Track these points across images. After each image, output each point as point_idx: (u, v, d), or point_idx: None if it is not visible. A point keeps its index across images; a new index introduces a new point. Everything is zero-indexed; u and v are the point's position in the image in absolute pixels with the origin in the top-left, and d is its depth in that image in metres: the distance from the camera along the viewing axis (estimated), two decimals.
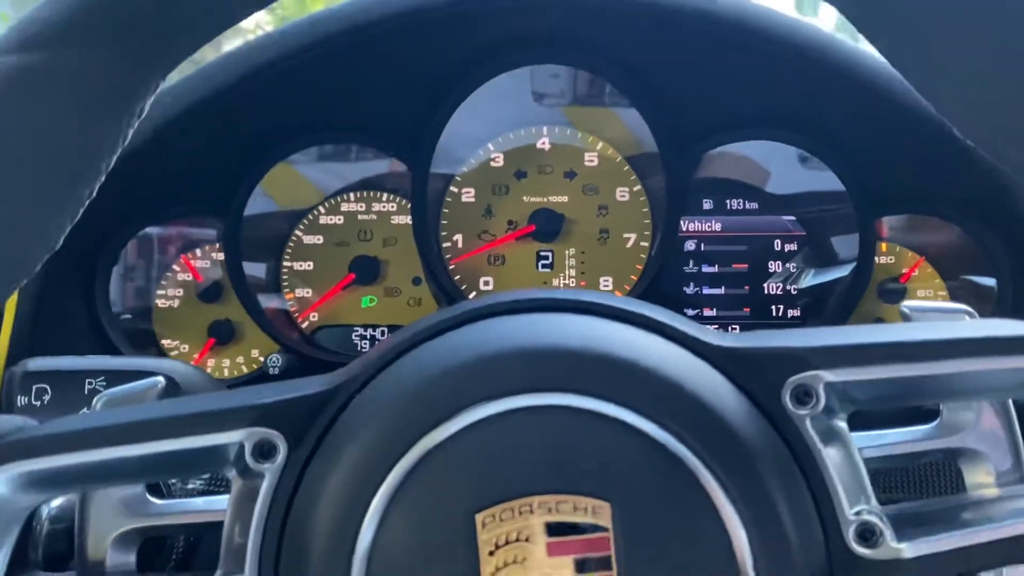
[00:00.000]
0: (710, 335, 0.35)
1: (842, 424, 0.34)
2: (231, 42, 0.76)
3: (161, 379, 0.40)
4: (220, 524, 0.35)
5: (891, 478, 0.52)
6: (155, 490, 0.40)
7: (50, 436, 0.34)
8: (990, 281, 0.75)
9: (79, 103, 0.31)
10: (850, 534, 0.33)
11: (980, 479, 0.39)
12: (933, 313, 0.40)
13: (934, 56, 0.30)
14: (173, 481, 0.45)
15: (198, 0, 0.32)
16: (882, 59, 0.31)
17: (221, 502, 0.36)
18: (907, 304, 0.41)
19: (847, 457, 0.34)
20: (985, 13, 0.29)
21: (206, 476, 0.46)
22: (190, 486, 0.47)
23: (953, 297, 0.76)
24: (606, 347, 0.34)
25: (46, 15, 0.31)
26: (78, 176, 0.32)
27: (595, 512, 0.31)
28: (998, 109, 0.29)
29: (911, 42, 0.30)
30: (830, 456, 0.33)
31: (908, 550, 0.32)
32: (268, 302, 0.79)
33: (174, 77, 0.73)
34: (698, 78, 0.75)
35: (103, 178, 0.33)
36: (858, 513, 0.33)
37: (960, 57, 0.29)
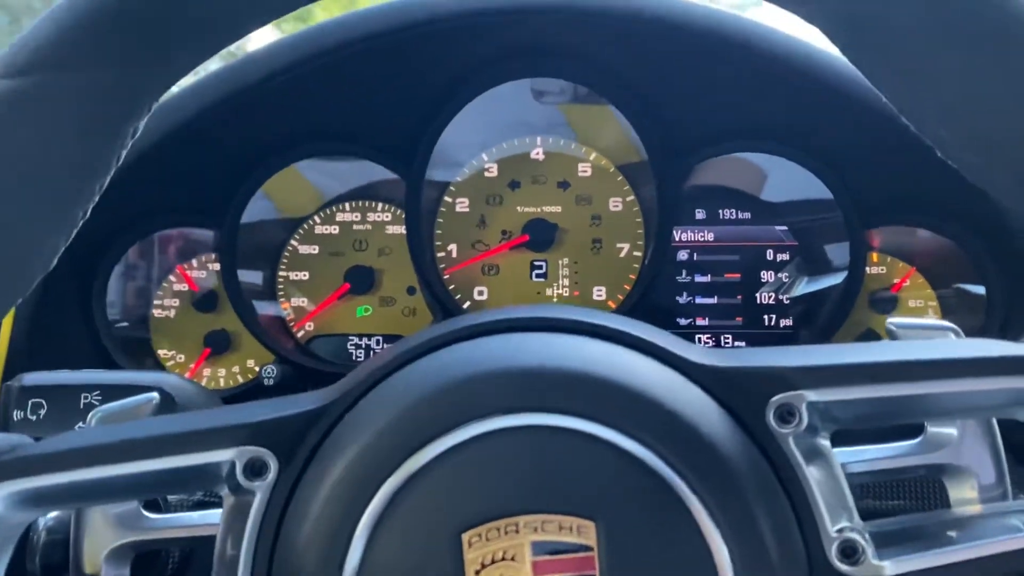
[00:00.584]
0: (694, 353, 0.36)
1: (825, 442, 0.35)
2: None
3: (155, 395, 0.40)
4: (213, 538, 0.35)
5: (876, 486, 0.52)
6: (150, 503, 0.40)
7: (45, 454, 0.34)
8: (980, 291, 0.75)
9: (72, 126, 0.31)
10: (832, 551, 0.33)
11: (964, 495, 0.39)
12: (919, 330, 0.41)
13: (915, 79, 0.30)
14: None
15: (190, 24, 0.32)
16: None
17: (214, 516, 0.37)
18: (893, 321, 0.41)
19: (830, 475, 0.34)
20: (966, 38, 0.29)
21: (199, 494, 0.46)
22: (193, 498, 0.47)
23: (944, 307, 0.76)
24: (591, 366, 0.34)
25: (39, 39, 0.31)
26: (72, 197, 0.32)
27: (580, 531, 0.32)
28: (980, 133, 0.30)
29: (892, 64, 0.30)
30: (813, 474, 0.34)
31: (890, 567, 0.33)
32: (263, 312, 0.79)
33: (172, 88, 0.73)
34: (690, 90, 0.76)
35: (96, 198, 0.33)
36: (840, 530, 0.33)
37: (941, 81, 0.29)
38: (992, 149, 0.30)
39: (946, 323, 0.41)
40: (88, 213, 0.33)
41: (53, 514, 0.45)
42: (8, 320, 0.70)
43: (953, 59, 0.29)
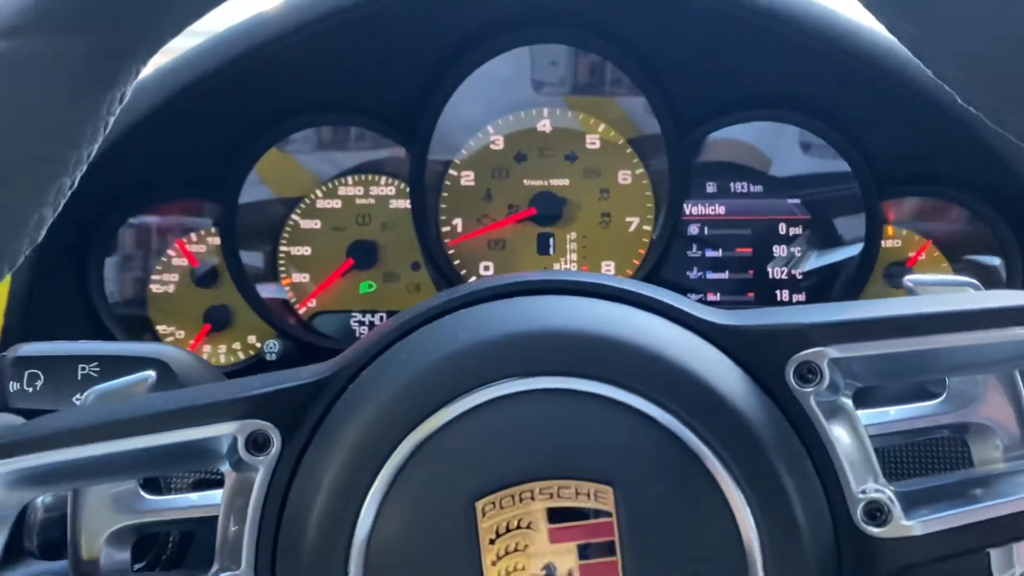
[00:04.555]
0: (711, 314, 0.35)
1: (847, 401, 0.34)
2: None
3: (152, 373, 0.39)
4: (215, 519, 0.34)
5: (900, 461, 0.51)
6: (149, 484, 0.39)
7: (40, 433, 0.34)
8: (997, 263, 0.74)
9: (56, 92, 0.30)
10: (858, 512, 0.32)
11: (988, 454, 0.38)
12: (937, 286, 0.40)
13: (932, 20, 0.29)
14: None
15: None
16: (887, 36, 0.30)
17: (215, 497, 0.36)
18: (911, 277, 0.40)
19: (853, 434, 0.34)
20: None
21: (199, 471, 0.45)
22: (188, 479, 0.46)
23: None
24: (606, 328, 0.33)
25: (20, 1, 0.30)
26: (57, 166, 0.31)
27: (598, 497, 0.31)
28: (1000, 75, 0.28)
29: (906, 4, 0.29)
30: (835, 434, 0.33)
31: (918, 527, 0.32)
32: (265, 287, 0.78)
33: (167, 57, 0.72)
34: (701, 59, 0.74)
35: (84, 167, 0.32)
36: (865, 491, 0.32)
37: (959, 21, 0.28)
38: (1013, 92, 0.29)
39: (965, 278, 0.40)
40: (76, 183, 0.32)
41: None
42: (3, 296, 0.69)
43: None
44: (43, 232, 0.32)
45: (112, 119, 0.32)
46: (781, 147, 0.77)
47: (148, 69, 0.33)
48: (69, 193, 0.32)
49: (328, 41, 0.71)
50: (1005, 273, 0.73)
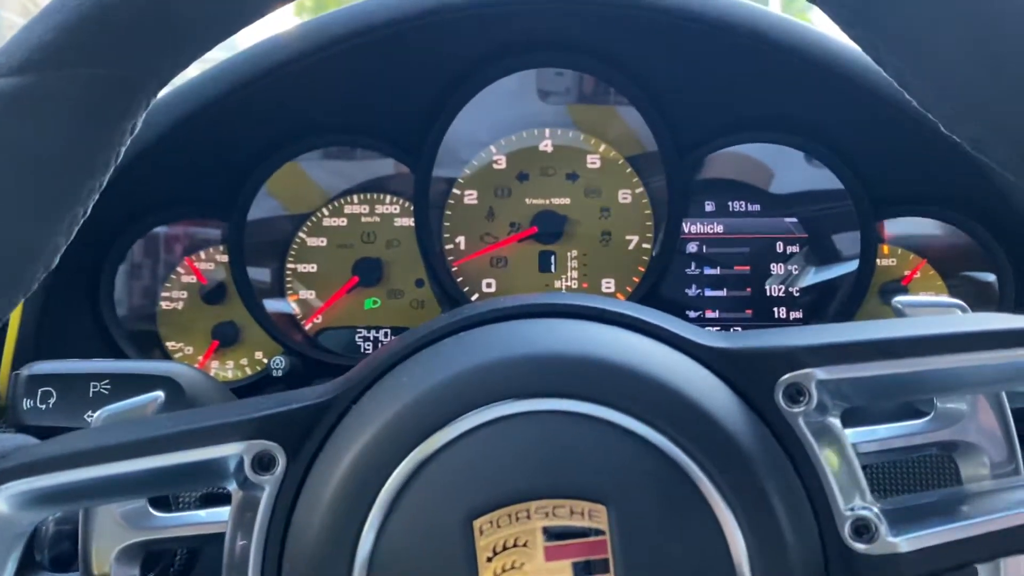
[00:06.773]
0: (702, 336, 0.36)
1: (835, 421, 0.35)
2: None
3: (160, 394, 0.40)
4: (222, 535, 0.35)
5: (888, 478, 0.52)
6: (158, 502, 0.40)
7: (51, 454, 0.35)
8: (992, 280, 0.75)
9: (68, 124, 0.31)
10: (846, 530, 0.33)
11: (975, 471, 0.39)
12: (925, 308, 0.40)
13: (915, 53, 0.30)
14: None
15: (184, 20, 0.32)
16: None
17: (222, 514, 0.36)
18: (900, 299, 0.40)
19: (841, 453, 0.34)
20: (967, 7, 0.28)
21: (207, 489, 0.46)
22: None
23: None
24: (599, 351, 0.34)
25: (33, 38, 0.31)
26: (71, 196, 0.32)
27: (592, 515, 0.32)
28: (981, 106, 0.29)
29: (891, 37, 0.30)
30: (824, 453, 0.34)
31: (904, 544, 0.33)
32: (272, 304, 0.79)
33: (178, 80, 0.73)
34: (699, 81, 0.75)
35: (97, 196, 0.33)
36: (853, 509, 0.33)
37: (941, 54, 0.29)
38: (996, 122, 0.29)
39: (953, 300, 0.41)
40: (89, 211, 0.33)
41: None
42: (16, 313, 0.70)
43: (954, 28, 0.29)
44: (57, 259, 0.33)
45: (124, 148, 0.33)
46: (779, 166, 0.78)
47: None
48: (82, 221, 0.33)
49: (336, 65, 0.73)
50: (998, 291, 0.74)
